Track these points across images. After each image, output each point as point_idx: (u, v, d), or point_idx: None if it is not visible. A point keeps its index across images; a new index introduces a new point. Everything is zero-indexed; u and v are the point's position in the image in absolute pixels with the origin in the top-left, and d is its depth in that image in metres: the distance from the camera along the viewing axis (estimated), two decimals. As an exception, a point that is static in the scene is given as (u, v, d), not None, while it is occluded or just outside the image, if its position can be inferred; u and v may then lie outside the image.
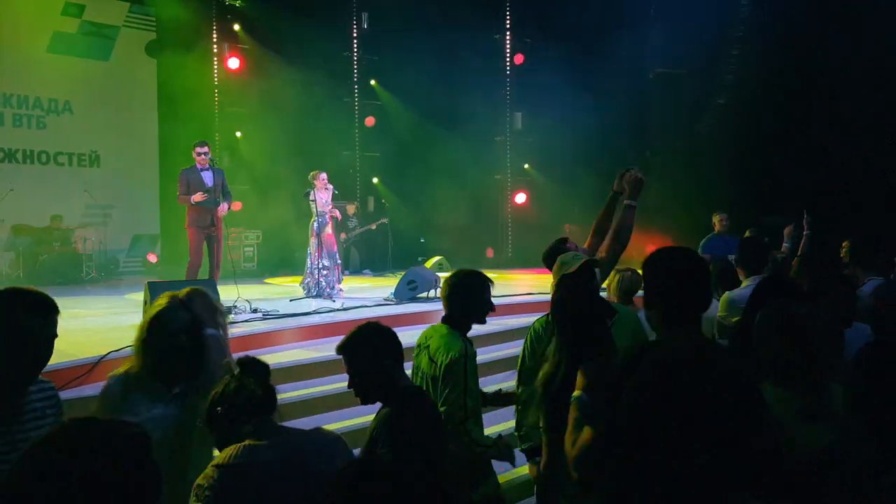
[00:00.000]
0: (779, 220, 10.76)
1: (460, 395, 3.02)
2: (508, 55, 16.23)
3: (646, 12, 14.76)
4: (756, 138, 13.03)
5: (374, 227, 13.90)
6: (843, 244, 7.27)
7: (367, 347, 2.63)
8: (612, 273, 4.21)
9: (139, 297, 7.40)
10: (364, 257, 14.21)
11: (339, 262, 9.60)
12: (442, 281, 3.38)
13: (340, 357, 2.67)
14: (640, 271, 4.54)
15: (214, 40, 14.19)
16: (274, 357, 5.54)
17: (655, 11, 14.67)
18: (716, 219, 8.85)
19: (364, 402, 2.67)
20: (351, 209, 14.12)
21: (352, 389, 2.67)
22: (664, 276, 2.19)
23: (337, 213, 9.74)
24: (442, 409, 2.98)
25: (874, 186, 12.02)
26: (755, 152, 12.95)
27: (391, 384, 2.63)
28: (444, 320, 3.28)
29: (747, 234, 9.13)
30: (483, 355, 6.49)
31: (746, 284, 4.28)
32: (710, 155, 13.74)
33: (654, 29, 14.72)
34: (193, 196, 8.13)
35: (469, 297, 3.26)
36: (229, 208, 8.60)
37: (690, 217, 11.18)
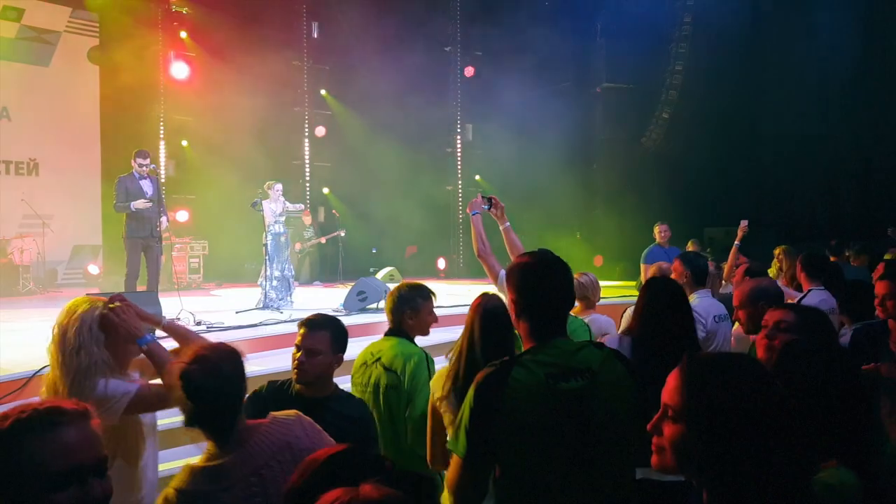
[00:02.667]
0: (720, 231, 11.15)
1: (426, 401, 3.06)
2: (459, 68, 16.35)
3: (592, 28, 15.09)
4: (698, 152, 13.41)
5: (324, 240, 13.79)
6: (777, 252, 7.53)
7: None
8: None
9: (79, 309, 7.18)
10: (316, 268, 14.09)
11: (291, 273, 9.51)
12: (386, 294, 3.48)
13: (286, 369, 2.70)
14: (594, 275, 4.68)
15: (160, 47, 13.92)
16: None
17: (602, 27, 15.00)
18: (657, 230, 9.03)
19: None
20: (308, 219, 14.00)
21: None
22: (531, 285, 2.09)
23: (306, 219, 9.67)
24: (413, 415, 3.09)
25: (809, 199, 12.51)
26: (697, 165, 13.33)
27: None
28: (389, 332, 3.34)
29: (690, 245, 9.40)
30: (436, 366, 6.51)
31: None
32: (654, 168, 14.11)
33: (601, 44, 15.06)
34: (135, 203, 7.97)
35: (413, 309, 3.32)
36: (168, 220, 8.55)
37: (634, 228, 11.43)
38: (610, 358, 2.07)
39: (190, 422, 2.10)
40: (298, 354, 2.71)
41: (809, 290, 4.83)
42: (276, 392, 2.82)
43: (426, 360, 3.18)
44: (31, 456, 1.37)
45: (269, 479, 2.05)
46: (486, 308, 2.66)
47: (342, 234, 13.74)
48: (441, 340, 7.11)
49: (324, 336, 2.72)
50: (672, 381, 1.32)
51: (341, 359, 2.79)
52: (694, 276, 4.26)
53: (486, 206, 3.91)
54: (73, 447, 1.40)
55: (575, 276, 4.46)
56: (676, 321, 3.03)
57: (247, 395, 2.72)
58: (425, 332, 3.42)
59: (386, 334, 3.36)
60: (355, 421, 2.71)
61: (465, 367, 2.54)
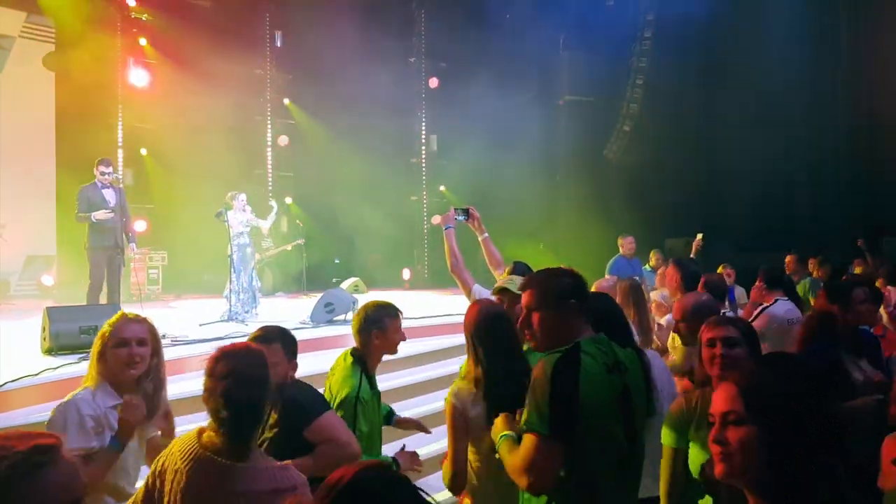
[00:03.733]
0: (680, 242, 11.34)
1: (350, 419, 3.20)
2: (424, 79, 16.38)
3: (555, 41, 15.27)
4: (659, 164, 13.65)
5: (289, 247, 13.63)
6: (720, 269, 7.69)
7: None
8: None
9: (34, 322, 6.96)
10: (277, 279, 13.90)
11: (256, 285, 9.37)
12: (353, 312, 3.54)
13: None
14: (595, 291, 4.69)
15: (119, 54, 13.65)
16: (183, 385, 5.32)
17: (564, 40, 15.20)
18: (621, 241, 9.15)
19: None
20: (265, 229, 13.82)
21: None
22: (558, 289, 2.31)
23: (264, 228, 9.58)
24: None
25: (767, 210, 12.81)
26: (658, 177, 13.56)
27: None
28: (353, 352, 3.34)
29: (652, 255, 9.54)
30: (396, 380, 6.47)
31: None
32: (617, 180, 14.30)
33: (563, 57, 15.25)
34: (95, 214, 7.79)
35: (380, 329, 3.32)
36: (135, 246, 8.42)
37: (597, 239, 11.55)
38: (634, 355, 2.37)
39: (222, 425, 2.13)
40: None
41: (776, 301, 4.93)
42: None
43: (356, 398, 3.13)
44: (18, 499, 1.31)
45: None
46: (486, 313, 2.78)
47: (301, 243, 13.60)
48: (413, 352, 7.11)
49: (275, 348, 2.80)
50: (727, 389, 1.43)
51: (295, 365, 2.90)
52: (685, 281, 4.25)
53: (463, 218, 3.91)
54: (63, 486, 1.35)
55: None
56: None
57: None
58: (393, 351, 3.43)
59: (351, 352, 3.36)
60: (283, 404, 2.78)
61: (485, 372, 2.70)
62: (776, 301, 4.92)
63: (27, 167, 13.05)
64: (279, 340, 2.82)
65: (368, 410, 3.18)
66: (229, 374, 2.15)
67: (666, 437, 2.60)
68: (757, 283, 5.26)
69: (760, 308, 4.94)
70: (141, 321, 2.85)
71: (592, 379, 2.10)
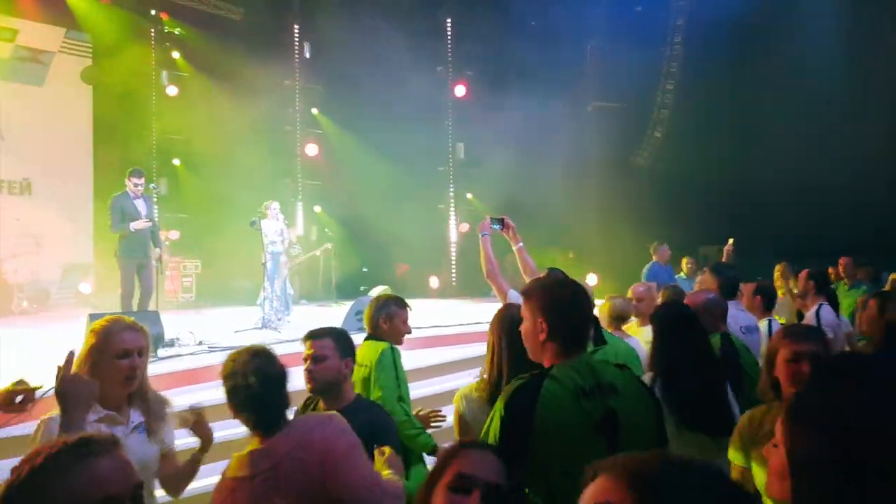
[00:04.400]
0: (714, 249, 11.23)
1: (392, 380, 3.42)
2: (450, 87, 16.48)
3: (583, 47, 15.26)
4: (692, 170, 13.53)
5: (318, 252, 13.77)
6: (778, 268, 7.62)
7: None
8: (605, 299, 4.56)
9: (75, 327, 7.16)
10: (304, 287, 14.04)
11: (289, 293, 9.51)
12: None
13: (290, 390, 2.75)
14: (631, 298, 4.70)
15: (153, 67, 13.98)
16: (220, 391, 5.43)
17: (593, 46, 15.18)
18: (654, 248, 9.09)
19: None
20: (293, 236, 14.00)
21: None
22: (555, 305, 2.13)
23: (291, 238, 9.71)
24: (376, 396, 3.37)
25: (803, 215, 12.59)
26: (691, 183, 13.44)
27: None
28: (367, 338, 3.65)
29: (684, 262, 9.47)
30: (426, 388, 6.50)
31: None
32: (648, 186, 14.21)
33: (592, 63, 15.23)
34: (133, 224, 7.97)
35: (386, 315, 3.62)
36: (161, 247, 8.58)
37: (628, 246, 11.50)
38: (632, 378, 2.15)
39: (242, 405, 2.20)
40: (307, 364, 2.83)
41: (821, 305, 4.92)
42: (303, 407, 3.02)
43: (392, 351, 3.49)
44: (65, 490, 1.36)
45: (283, 474, 2.08)
46: (510, 317, 2.71)
47: (329, 247, 13.75)
48: (442, 360, 7.16)
49: (327, 343, 2.82)
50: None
51: (350, 364, 2.89)
52: (722, 287, 4.21)
53: (498, 227, 3.97)
54: (106, 477, 1.39)
55: (610, 297, 4.56)
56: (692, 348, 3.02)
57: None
58: (398, 341, 3.66)
59: (365, 339, 3.65)
60: (374, 431, 2.70)
61: (500, 377, 2.65)
62: (820, 306, 4.92)
63: (66, 178, 13.40)
64: (330, 336, 2.87)
65: (401, 362, 3.52)
66: (252, 358, 2.26)
67: (732, 454, 2.47)
68: (798, 284, 5.24)
69: (814, 313, 4.94)
70: (138, 328, 2.59)
71: (555, 406, 1.95)
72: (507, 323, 2.69)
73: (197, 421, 2.65)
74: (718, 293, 4.05)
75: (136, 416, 2.58)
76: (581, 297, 2.16)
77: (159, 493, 2.73)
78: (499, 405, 2.01)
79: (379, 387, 3.39)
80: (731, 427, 2.57)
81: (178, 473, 2.70)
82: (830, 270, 7.98)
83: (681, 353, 2.97)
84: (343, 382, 2.84)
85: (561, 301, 2.13)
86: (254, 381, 2.19)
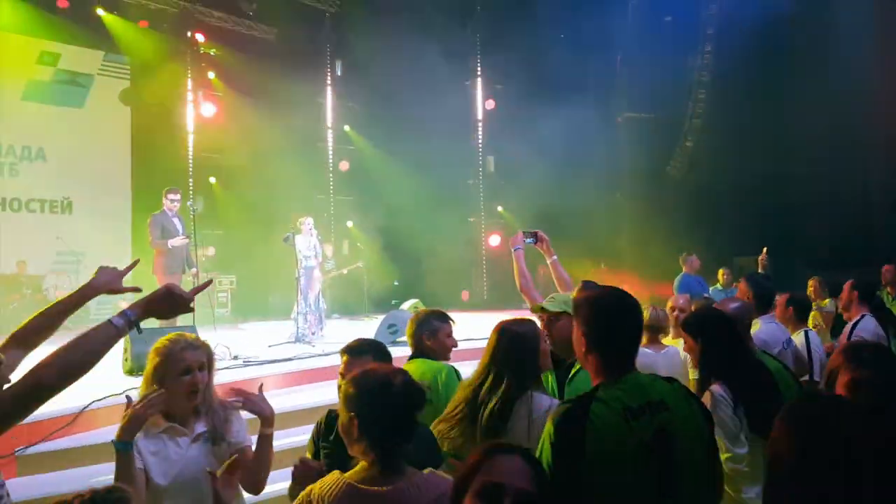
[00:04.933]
0: (751, 260, 11.06)
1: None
2: (480, 101, 16.56)
3: (613, 58, 15.22)
4: (725, 179, 13.38)
5: (345, 272, 13.89)
6: (811, 282, 7.51)
7: None
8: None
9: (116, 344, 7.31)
10: (336, 301, 14.15)
11: (322, 307, 9.60)
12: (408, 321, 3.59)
13: (322, 404, 2.72)
14: (666, 309, 4.62)
15: (189, 87, 14.30)
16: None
17: (622, 57, 15.14)
18: (684, 259, 8.97)
19: None
20: (329, 251, 14.16)
21: None
22: (602, 320, 2.09)
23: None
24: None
25: (841, 226, 12.35)
26: (725, 193, 13.28)
27: None
28: (412, 356, 3.46)
29: (720, 274, 9.34)
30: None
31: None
32: (680, 196, 14.07)
33: (621, 74, 15.18)
34: (171, 241, 8.15)
35: (430, 332, 3.44)
36: (198, 269, 8.71)
37: (660, 258, 11.39)
38: (681, 391, 2.10)
39: (364, 431, 1.96)
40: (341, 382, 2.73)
41: (863, 316, 4.82)
42: (335, 421, 2.77)
43: (455, 372, 3.28)
44: None
45: None
46: (509, 330, 2.72)
47: (360, 265, 13.85)
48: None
49: (367, 360, 2.74)
50: None
51: None
52: (758, 299, 4.12)
53: (531, 241, 3.98)
54: None
55: (649, 307, 4.52)
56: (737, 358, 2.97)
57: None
58: (445, 357, 3.50)
59: (410, 358, 3.47)
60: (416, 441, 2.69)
61: (488, 388, 2.60)
62: (863, 317, 4.82)
63: (105, 197, 13.73)
64: (370, 353, 2.83)
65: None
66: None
67: None
68: (842, 295, 5.15)
69: (851, 326, 4.85)
70: (201, 345, 2.75)
71: (604, 430, 1.92)
72: (504, 336, 2.68)
73: (246, 399, 2.70)
74: (752, 304, 3.96)
75: (199, 426, 2.71)
76: (624, 311, 2.11)
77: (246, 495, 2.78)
78: (548, 429, 1.97)
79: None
80: None
81: (252, 465, 2.69)
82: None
83: (732, 356, 2.95)
84: None
85: (601, 314, 2.10)
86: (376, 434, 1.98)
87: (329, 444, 2.71)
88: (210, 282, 2.33)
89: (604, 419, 1.93)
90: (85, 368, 1.97)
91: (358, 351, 2.84)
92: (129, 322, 2.12)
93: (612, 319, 2.08)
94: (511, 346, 2.67)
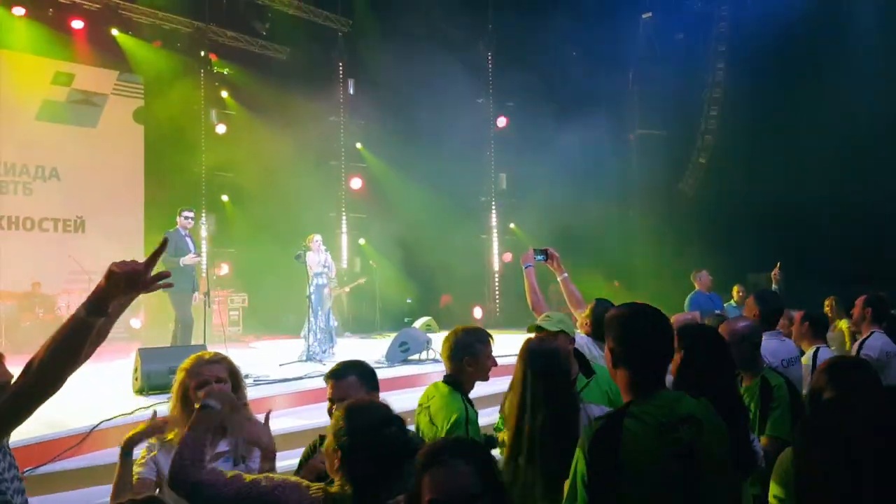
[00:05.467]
0: (764, 277, 10.94)
1: None
2: (492, 118, 16.57)
3: (625, 75, 15.21)
4: (738, 196, 13.28)
5: (347, 290, 13.81)
6: (827, 302, 7.38)
7: None
8: None
9: (126, 363, 7.30)
10: (348, 319, 14.10)
11: (333, 325, 9.54)
12: (442, 339, 3.38)
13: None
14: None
15: (202, 106, 14.39)
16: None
17: (634, 74, 15.12)
18: (695, 276, 8.87)
19: None
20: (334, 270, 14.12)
21: None
22: (631, 337, 2.12)
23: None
24: None
25: (855, 242, 12.22)
26: (738, 210, 13.18)
27: None
28: (446, 380, 3.25)
29: (735, 291, 9.22)
30: (484, 418, 6.42)
31: None
32: (693, 213, 13.98)
33: (633, 91, 15.16)
34: (183, 259, 8.14)
35: (472, 356, 3.20)
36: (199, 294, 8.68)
37: (674, 275, 11.27)
38: (708, 406, 2.12)
39: (344, 469, 1.96)
40: (331, 406, 2.70)
41: (872, 333, 4.74)
42: (318, 444, 2.81)
43: (466, 419, 3.05)
44: None
45: None
46: (534, 351, 2.66)
47: (362, 281, 13.80)
48: (486, 392, 7.07)
49: (351, 381, 2.73)
50: None
51: (376, 396, 2.74)
52: (763, 315, 4.06)
53: (542, 258, 3.93)
54: None
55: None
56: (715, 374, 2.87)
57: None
58: (485, 378, 3.29)
59: (444, 380, 3.27)
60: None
61: (522, 412, 2.57)
62: (872, 334, 4.74)
63: (118, 215, 13.78)
64: (353, 373, 2.78)
65: (477, 432, 3.12)
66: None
67: (774, 488, 2.37)
68: (853, 311, 5.06)
69: (859, 343, 4.77)
70: (220, 360, 2.81)
71: (637, 446, 1.96)
72: (533, 356, 2.63)
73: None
74: (759, 321, 3.91)
75: (222, 445, 2.71)
76: (655, 329, 2.12)
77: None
78: (582, 444, 2.01)
79: None
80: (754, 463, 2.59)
81: None
82: None
83: (703, 373, 2.75)
84: None
85: (632, 331, 2.12)
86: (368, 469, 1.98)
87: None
88: (164, 243, 1.98)
89: (637, 434, 1.97)
90: (73, 367, 1.89)
91: (341, 373, 2.77)
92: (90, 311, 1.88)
93: (642, 337, 2.11)
94: (542, 367, 2.64)
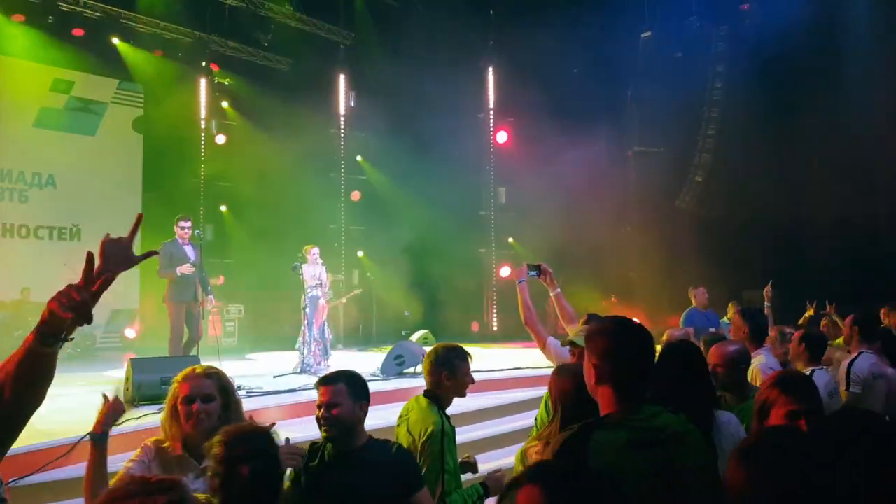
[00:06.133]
0: (759, 294, 10.90)
1: (438, 473, 3.11)
2: (492, 133, 16.58)
3: (624, 92, 15.26)
4: (735, 214, 13.30)
5: (344, 300, 13.75)
6: (823, 321, 7.33)
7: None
8: None
9: (118, 373, 7.23)
10: (344, 332, 14.01)
11: (328, 337, 9.48)
12: (424, 357, 3.53)
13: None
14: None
15: (202, 116, 14.38)
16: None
17: (633, 92, 15.17)
18: (692, 293, 8.86)
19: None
20: (327, 281, 14.05)
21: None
22: (618, 354, 2.03)
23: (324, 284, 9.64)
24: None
25: (850, 260, 12.21)
26: (734, 227, 13.19)
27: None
28: (426, 394, 3.40)
29: (730, 307, 9.18)
30: (474, 432, 6.37)
31: None
32: (690, 230, 13.99)
33: (632, 108, 15.20)
34: (179, 268, 8.06)
35: (450, 371, 3.37)
36: (213, 298, 8.59)
37: (671, 291, 11.26)
38: (691, 426, 2.02)
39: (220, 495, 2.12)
40: (320, 412, 2.78)
41: (860, 353, 4.71)
42: (311, 452, 2.86)
43: (442, 431, 3.19)
44: None
45: None
46: (568, 382, 2.63)
47: (358, 293, 13.74)
48: (482, 406, 7.02)
49: (339, 388, 2.77)
50: None
51: (364, 406, 2.83)
52: (752, 332, 4.09)
53: (535, 273, 3.93)
54: None
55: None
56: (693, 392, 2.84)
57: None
58: (462, 394, 3.47)
59: (424, 394, 3.41)
60: (390, 464, 2.75)
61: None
62: (860, 354, 4.71)
63: (114, 224, 13.36)
64: (342, 380, 2.82)
65: (452, 446, 3.23)
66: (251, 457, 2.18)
67: None
68: (844, 331, 5.05)
69: (847, 363, 4.73)
70: (211, 375, 2.80)
71: (607, 457, 1.85)
72: (564, 389, 2.62)
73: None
74: (748, 338, 4.00)
75: (207, 461, 2.69)
76: (636, 344, 2.05)
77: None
78: (550, 456, 1.94)
79: (424, 473, 3.07)
80: None
81: None
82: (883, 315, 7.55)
83: (669, 389, 2.80)
84: (357, 425, 2.80)
85: (614, 346, 2.03)
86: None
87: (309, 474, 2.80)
88: (140, 217, 1.97)
89: (607, 446, 1.88)
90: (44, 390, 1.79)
91: (331, 380, 2.83)
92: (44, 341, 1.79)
93: (623, 352, 2.02)
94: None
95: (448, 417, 3.33)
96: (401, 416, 3.42)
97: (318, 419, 2.77)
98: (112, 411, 2.75)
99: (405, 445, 3.18)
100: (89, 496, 2.60)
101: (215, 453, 2.16)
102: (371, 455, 2.75)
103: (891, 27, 12.22)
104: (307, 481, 2.79)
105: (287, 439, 2.83)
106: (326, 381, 2.83)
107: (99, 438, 2.70)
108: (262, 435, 2.28)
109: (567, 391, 2.63)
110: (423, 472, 3.05)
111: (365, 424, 2.87)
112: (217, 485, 2.13)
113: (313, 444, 2.93)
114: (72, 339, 1.78)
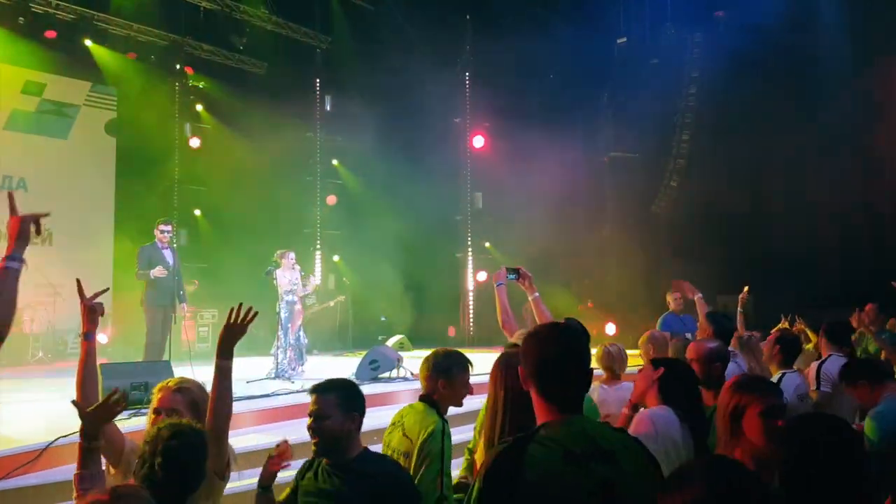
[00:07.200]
0: (734, 298, 11.00)
1: (437, 475, 3.01)
2: (468, 137, 16.62)
3: (599, 98, 15.39)
4: (709, 219, 13.44)
5: (332, 304, 13.75)
6: (797, 326, 7.43)
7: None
8: (598, 347, 4.46)
9: (89, 379, 7.10)
10: (319, 337, 13.92)
11: (303, 342, 9.43)
12: (422, 360, 3.40)
13: (301, 441, 2.82)
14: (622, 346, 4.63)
15: (176, 120, 14.25)
16: (232, 441, 5.32)
17: (609, 97, 15.30)
18: (669, 297, 8.94)
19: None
20: (311, 286, 13.99)
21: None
22: (538, 356, 1.96)
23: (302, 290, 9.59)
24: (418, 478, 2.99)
25: (822, 264, 12.39)
26: (709, 232, 13.33)
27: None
28: (422, 398, 3.28)
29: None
30: (455, 436, 6.35)
31: None
32: (666, 235, 14.13)
33: (608, 114, 15.33)
34: (153, 271, 8.00)
35: (447, 380, 3.23)
36: (186, 305, 8.58)
37: (647, 296, 11.33)
38: (631, 442, 1.95)
39: (148, 481, 2.20)
40: (311, 422, 2.73)
41: (829, 356, 4.78)
42: (306, 463, 2.84)
43: (442, 431, 3.08)
44: None
45: None
46: (511, 366, 2.54)
47: (342, 299, 13.71)
48: (454, 411, 7.01)
49: (329, 399, 2.72)
50: None
51: (357, 418, 2.75)
52: (716, 335, 4.16)
53: (514, 277, 3.94)
54: None
55: (604, 345, 4.55)
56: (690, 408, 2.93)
57: None
58: (458, 404, 3.31)
59: (420, 398, 3.30)
60: (382, 476, 2.67)
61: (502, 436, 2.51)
62: (829, 356, 4.78)
63: (87, 229, 13.52)
64: (335, 391, 2.76)
65: (451, 448, 3.12)
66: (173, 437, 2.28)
67: None
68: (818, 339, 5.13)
69: (818, 365, 4.80)
70: (182, 390, 2.86)
71: (541, 472, 1.76)
72: (511, 371, 2.47)
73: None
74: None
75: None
76: (567, 349, 1.95)
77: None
78: (482, 471, 1.82)
79: (421, 479, 2.99)
80: None
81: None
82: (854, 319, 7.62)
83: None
84: (347, 438, 2.72)
85: (542, 352, 1.96)
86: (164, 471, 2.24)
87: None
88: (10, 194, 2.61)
89: (541, 461, 1.78)
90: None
91: (323, 389, 2.78)
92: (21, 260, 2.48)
93: (553, 358, 1.93)
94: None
95: (446, 421, 3.19)
96: (393, 423, 3.29)
97: (307, 429, 2.73)
98: (90, 312, 2.96)
99: (400, 450, 3.11)
100: (80, 393, 2.89)
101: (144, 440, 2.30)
102: (363, 467, 2.68)
103: (866, 34, 12.45)
104: (301, 493, 2.76)
105: (285, 441, 2.95)
106: (317, 391, 2.77)
107: (86, 338, 3.00)
108: (194, 428, 2.39)
109: (503, 385, 2.62)
110: (422, 471, 2.98)
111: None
112: (136, 467, 2.28)
113: (307, 462, 2.88)
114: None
